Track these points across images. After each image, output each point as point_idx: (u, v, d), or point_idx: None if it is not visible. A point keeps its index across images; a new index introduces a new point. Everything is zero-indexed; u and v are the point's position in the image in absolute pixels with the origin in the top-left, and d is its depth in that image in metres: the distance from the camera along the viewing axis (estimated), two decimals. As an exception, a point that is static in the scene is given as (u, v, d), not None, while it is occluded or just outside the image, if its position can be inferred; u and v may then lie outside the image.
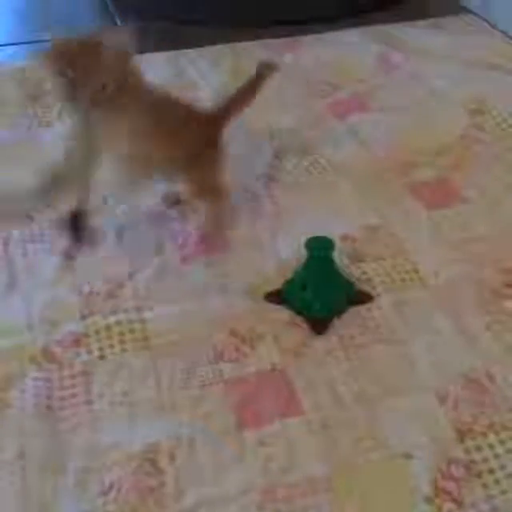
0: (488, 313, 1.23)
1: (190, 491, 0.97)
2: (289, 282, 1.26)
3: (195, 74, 2.00)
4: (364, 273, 1.31)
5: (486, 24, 2.25)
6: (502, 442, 1.02)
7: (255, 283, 1.29)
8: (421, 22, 2.25)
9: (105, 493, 0.97)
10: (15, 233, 1.40)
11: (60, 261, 1.34)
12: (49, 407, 1.07)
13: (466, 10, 2.35)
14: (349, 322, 1.22)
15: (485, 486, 0.98)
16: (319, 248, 1.23)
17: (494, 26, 2.23)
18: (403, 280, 1.29)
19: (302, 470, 1.00)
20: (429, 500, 0.96)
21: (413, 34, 2.18)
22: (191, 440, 1.03)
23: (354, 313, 1.24)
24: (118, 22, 2.37)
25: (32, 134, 1.73)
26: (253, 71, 1.98)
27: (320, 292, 1.22)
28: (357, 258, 1.34)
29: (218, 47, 2.13)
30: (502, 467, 0.99)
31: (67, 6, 2.54)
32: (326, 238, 1.24)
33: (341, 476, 0.99)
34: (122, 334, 1.19)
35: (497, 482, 0.98)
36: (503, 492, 0.97)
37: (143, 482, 0.98)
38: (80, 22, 2.41)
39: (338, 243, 1.26)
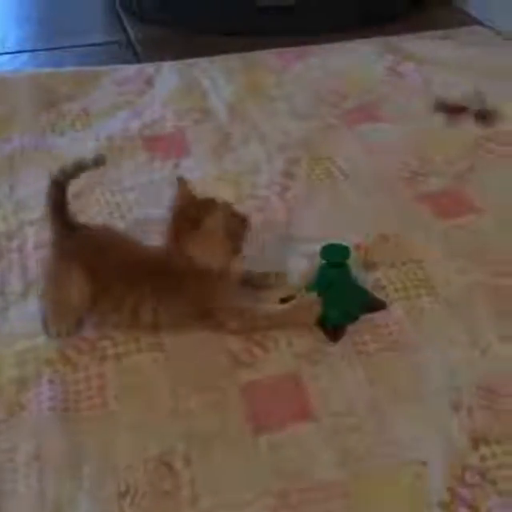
0: (501, 322, 1.23)
1: (205, 495, 0.97)
2: (304, 289, 1.26)
3: (208, 84, 2.01)
4: (377, 280, 1.32)
5: (494, 35, 2.27)
6: (516, 449, 1.02)
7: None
8: (429, 33, 2.27)
9: (121, 495, 0.97)
10: (30, 239, 1.42)
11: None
12: (65, 409, 1.08)
13: (475, 22, 2.38)
14: (362, 329, 1.22)
15: (500, 492, 0.97)
16: (335, 255, 1.24)
17: (502, 36, 2.24)
18: (416, 287, 1.30)
19: (317, 475, 1.00)
20: (443, 505, 0.96)
21: (422, 44, 2.19)
22: (206, 444, 1.03)
23: (368, 320, 1.24)
24: (130, 31, 2.40)
25: (45, 141, 1.75)
26: (266, 82, 2.01)
27: (336, 300, 1.22)
28: (370, 266, 1.35)
29: (231, 56, 2.14)
30: (517, 474, 0.99)
31: (79, 14, 2.58)
32: (342, 245, 1.25)
33: (355, 482, 0.99)
34: (137, 336, 1.20)
35: (512, 489, 0.98)
36: (518, 499, 0.97)
37: (159, 485, 0.98)
38: (91, 30, 2.44)
39: (351, 251, 1.27)
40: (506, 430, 1.05)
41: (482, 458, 1.01)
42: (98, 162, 1.24)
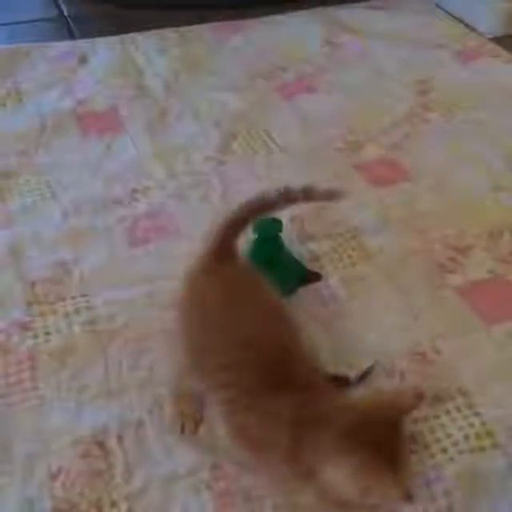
0: (434, 287, 1.25)
1: (139, 472, 0.97)
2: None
3: (143, 59, 1.97)
4: (312, 252, 1.32)
5: (432, 4, 2.27)
6: (447, 412, 1.04)
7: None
8: (364, 4, 2.27)
9: (52, 478, 0.96)
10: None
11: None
12: (-6, 393, 1.06)
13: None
14: (298, 302, 1.22)
15: (432, 455, 0.99)
16: (267, 229, 1.23)
17: (439, 6, 2.25)
18: (350, 257, 1.31)
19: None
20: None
21: (357, 15, 2.19)
22: (139, 422, 1.02)
23: (304, 292, 1.24)
24: (63, 7, 2.33)
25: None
26: (201, 55, 1.99)
27: (271, 274, 1.21)
28: (305, 238, 1.35)
29: (166, 31, 2.10)
30: (448, 436, 1.01)
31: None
32: (274, 219, 1.24)
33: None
34: (68, 316, 1.18)
35: (444, 450, 1.00)
36: (450, 459, 0.98)
37: (92, 465, 0.97)
38: (24, 6, 2.36)
39: (286, 224, 1.26)
40: (437, 394, 1.06)
41: (414, 421, 1.02)
42: (317, 195, 0.99)
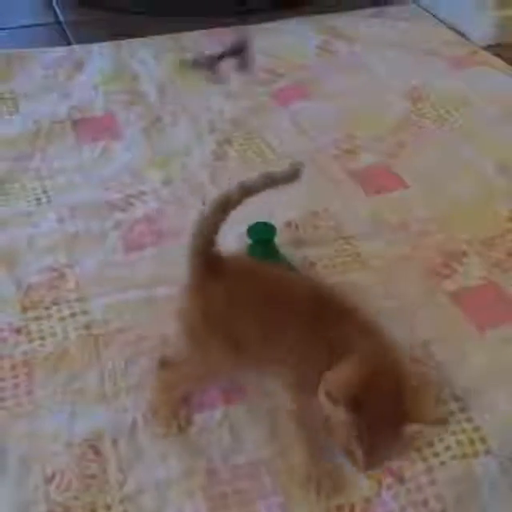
0: (427, 293, 1.26)
1: (133, 476, 0.97)
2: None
3: (138, 65, 1.98)
4: (307, 258, 1.32)
5: (425, 12, 2.29)
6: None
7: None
8: (360, 11, 2.28)
9: (47, 481, 0.96)
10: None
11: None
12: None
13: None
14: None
15: (424, 459, 1.00)
16: (262, 234, 1.24)
17: (433, 14, 2.27)
18: (344, 263, 1.31)
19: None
20: (369, 476, 0.97)
21: (352, 23, 2.20)
22: (133, 426, 1.03)
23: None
24: (59, 13, 2.34)
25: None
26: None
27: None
28: (300, 243, 1.36)
29: (162, 38, 2.11)
30: (441, 440, 1.02)
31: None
32: (268, 223, 1.25)
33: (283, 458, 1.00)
34: (63, 321, 1.19)
35: (436, 454, 1.00)
36: (442, 463, 0.99)
37: (86, 469, 0.97)
38: (20, 12, 2.37)
39: (281, 229, 1.27)
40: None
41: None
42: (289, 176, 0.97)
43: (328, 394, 0.80)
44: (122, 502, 0.94)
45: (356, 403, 0.78)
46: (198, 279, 0.96)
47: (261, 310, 0.92)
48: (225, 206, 0.94)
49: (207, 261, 0.96)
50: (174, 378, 1.04)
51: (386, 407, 0.81)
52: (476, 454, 1.00)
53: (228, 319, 0.93)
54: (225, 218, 0.95)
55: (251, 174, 1.37)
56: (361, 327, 0.91)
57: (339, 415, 0.80)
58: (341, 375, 0.82)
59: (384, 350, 0.88)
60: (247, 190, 0.94)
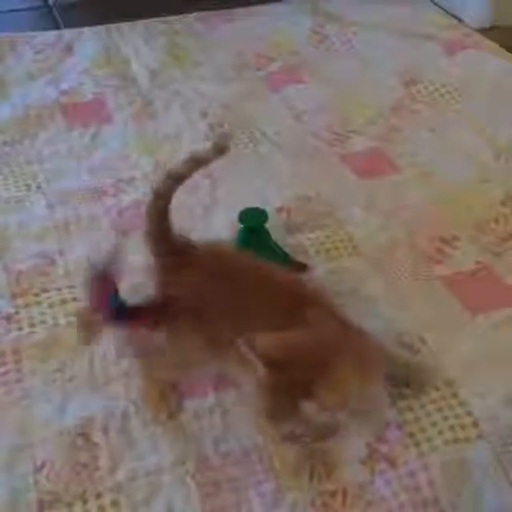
0: (420, 278, 1.25)
1: (124, 464, 0.96)
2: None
3: (129, 49, 1.95)
4: (299, 243, 1.32)
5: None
6: (432, 401, 1.04)
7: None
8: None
9: (37, 469, 0.95)
10: None
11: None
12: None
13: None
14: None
15: (417, 444, 0.99)
16: (253, 220, 1.23)
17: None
18: (337, 248, 1.30)
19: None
20: (362, 461, 0.97)
21: (345, 6, 2.17)
22: (124, 413, 1.02)
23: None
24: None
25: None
26: (189, 46, 1.97)
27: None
28: (292, 229, 1.35)
29: (151, 21, 2.09)
30: (433, 425, 1.01)
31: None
32: (260, 209, 1.24)
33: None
34: (53, 308, 1.18)
35: (428, 439, 1.00)
36: (434, 448, 0.99)
37: (77, 457, 0.97)
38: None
39: (273, 215, 1.26)
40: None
41: (400, 412, 1.03)
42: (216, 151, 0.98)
43: (252, 348, 0.83)
44: (112, 490, 0.93)
45: (270, 362, 0.82)
46: (164, 275, 0.99)
47: (228, 301, 0.94)
48: (159, 199, 0.98)
49: (171, 250, 0.98)
50: (153, 366, 1.04)
51: (299, 376, 0.84)
52: (468, 439, 1.00)
53: (195, 310, 0.94)
54: (174, 189, 0.97)
55: (244, 161, 1.36)
56: (322, 312, 0.93)
57: (258, 370, 0.83)
58: (274, 337, 0.86)
59: (339, 332, 0.92)
60: (175, 178, 0.97)
